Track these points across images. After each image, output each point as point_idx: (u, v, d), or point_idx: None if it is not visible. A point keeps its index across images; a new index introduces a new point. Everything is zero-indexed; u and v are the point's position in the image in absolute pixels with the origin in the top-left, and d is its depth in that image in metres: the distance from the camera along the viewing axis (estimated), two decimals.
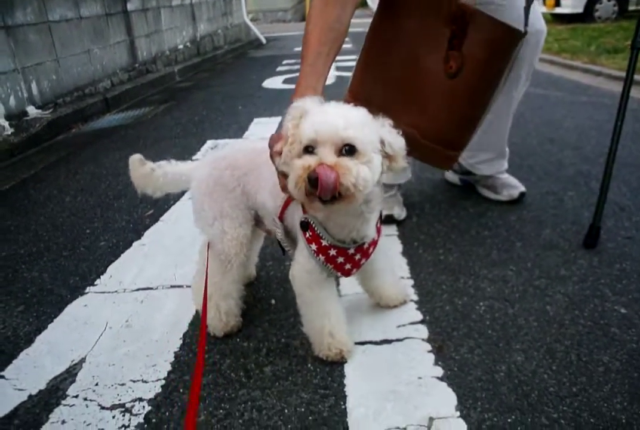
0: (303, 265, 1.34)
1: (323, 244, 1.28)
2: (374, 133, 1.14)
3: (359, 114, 1.15)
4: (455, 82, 1.60)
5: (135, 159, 1.59)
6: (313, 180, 1.05)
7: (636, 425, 1.16)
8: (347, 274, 1.37)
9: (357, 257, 1.34)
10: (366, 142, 1.11)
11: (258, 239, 1.71)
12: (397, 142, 1.18)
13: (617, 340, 1.44)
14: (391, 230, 2.15)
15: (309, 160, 1.08)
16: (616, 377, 1.31)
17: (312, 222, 1.27)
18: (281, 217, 1.38)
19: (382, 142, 1.15)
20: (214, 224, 1.46)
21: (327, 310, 1.38)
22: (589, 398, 1.25)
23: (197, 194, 1.51)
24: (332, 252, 1.29)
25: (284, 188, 1.23)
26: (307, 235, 1.29)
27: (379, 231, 1.39)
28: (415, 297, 1.69)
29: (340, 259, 1.31)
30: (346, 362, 1.40)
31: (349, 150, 1.09)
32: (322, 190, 1.05)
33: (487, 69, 1.68)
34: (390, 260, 1.75)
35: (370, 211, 1.26)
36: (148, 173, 1.58)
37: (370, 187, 1.12)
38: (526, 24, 1.72)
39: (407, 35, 1.69)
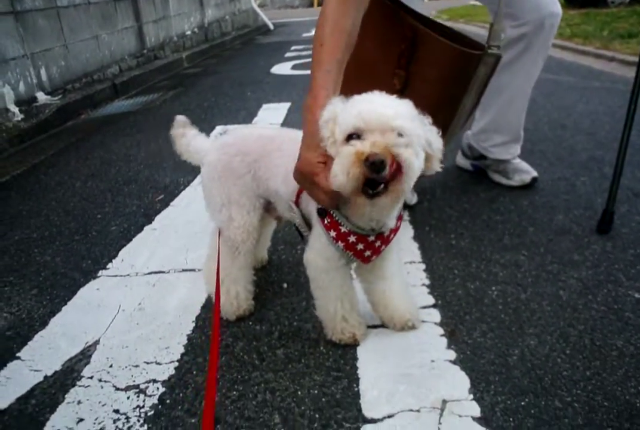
0: (320, 252, 1.31)
1: (342, 231, 1.24)
2: (420, 127, 1.10)
3: (408, 105, 1.12)
4: (406, 97, 1.58)
5: (179, 119, 1.61)
6: (377, 164, 1.00)
7: None
8: (367, 261, 1.33)
9: (378, 244, 1.29)
10: (414, 134, 1.07)
11: (270, 224, 1.70)
12: (437, 142, 1.15)
13: (631, 325, 1.44)
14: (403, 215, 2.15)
15: (360, 145, 1.03)
16: (630, 362, 1.31)
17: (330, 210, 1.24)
18: (297, 203, 1.35)
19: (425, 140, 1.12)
20: (221, 211, 1.45)
21: (341, 294, 1.36)
22: (602, 382, 1.25)
23: (206, 179, 1.51)
24: (352, 238, 1.25)
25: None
26: (326, 222, 1.25)
27: (400, 217, 1.34)
28: (428, 282, 1.69)
29: (360, 246, 1.27)
30: (359, 344, 1.39)
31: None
32: (396, 173, 1.01)
33: (438, 89, 1.70)
34: (405, 276, 1.67)
35: (398, 205, 1.24)
36: (178, 136, 1.60)
37: (417, 176, 1.08)
38: (487, 43, 1.71)
39: (368, 49, 1.70)
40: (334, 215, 1.23)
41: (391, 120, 1.04)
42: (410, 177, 1.05)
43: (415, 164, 1.05)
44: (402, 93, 1.63)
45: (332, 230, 1.25)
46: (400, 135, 1.04)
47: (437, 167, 1.18)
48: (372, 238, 1.26)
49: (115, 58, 5.79)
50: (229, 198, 1.44)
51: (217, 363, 1.11)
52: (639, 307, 1.50)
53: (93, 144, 3.54)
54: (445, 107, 1.78)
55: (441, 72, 1.69)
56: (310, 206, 1.31)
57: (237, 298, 1.51)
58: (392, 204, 1.14)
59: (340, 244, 1.25)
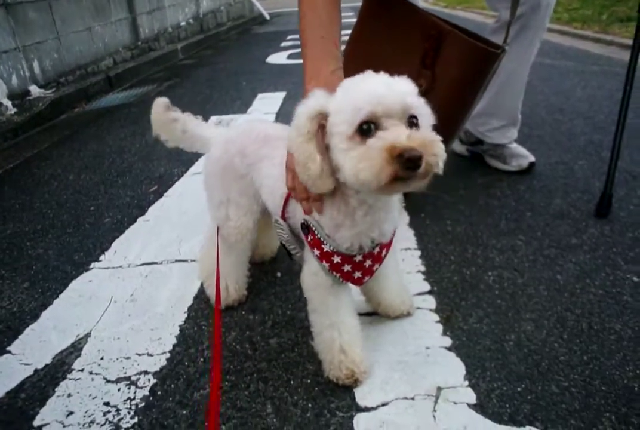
0: (309, 266, 1.18)
1: (325, 250, 1.10)
2: (426, 106, 0.98)
3: (409, 82, 0.96)
4: (427, 98, 1.56)
5: (159, 102, 1.48)
6: (415, 161, 0.85)
7: None
8: (359, 283, 1.18)
9: (368, 263, 1.14)
10: (425, 113, 0.95)
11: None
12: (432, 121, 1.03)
13: (629, 309, 1.41)
14: None
15: (392, 138, 0.87)
16: (628, 345, 1.28)
17: (311, 225, 1.10)
18: (283, 217, 1.23)
19: None
20: (219, 208, 1.39)
21: (337, 319, 1.19)
22: (600, 366, 1.23)
23: (207, 174, 1.43)
24: (337, 259, 1.10)
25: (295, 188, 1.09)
26: (309, 239, 1.13)
27: (392, 233, 1.18)
28: (423, 268, 1.67)
29: (347, 267, 1.12)
30: (358, 386, 1.21)
31: (412, 124, 0.92)
32: (433, 165, 0.88)
33: (459, 88, 1.68)
34: (400, 264, 1.60)
35: (391, 206, 1.10)
36: (168, 121, 1.47)
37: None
38: (505, 41, 1.70)
39: (383, 46, 1.67)
40: (316, 233, 1.10)
41: (407, 100, 0.90)
42: (437, 170, 0.92)
43: (442, 152, 0.91)
44: (427, 93, 1.62)
45: (315, 249, 1.12)
46: (415, 117, 0.93)
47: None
48: (359, 258, 1.12)
49: (109, 50, 5.73)
50: (229, 196, 1.36)
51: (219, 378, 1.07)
52: (637, 291, 1.48)
53: (87, 137, 3.50)
54: (463, 105, 1.76)
55: (465, 71, 1.67)
56: (299, 220, 1.16)
57: (226, 289, 1.48)
58: (415, 190, 0.96)
59: (325, 264, 1.12)
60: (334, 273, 1.13)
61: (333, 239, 1.09)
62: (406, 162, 0.85)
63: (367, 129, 0.90)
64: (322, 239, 1.10)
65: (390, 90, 0.91)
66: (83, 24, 5.23)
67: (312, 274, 1.17)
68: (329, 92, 1.01)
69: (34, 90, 4.32)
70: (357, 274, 1.15)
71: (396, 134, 0.87)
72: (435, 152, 0.89)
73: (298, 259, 1.26)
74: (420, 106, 0.95)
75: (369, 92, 0.91)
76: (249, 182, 1.33)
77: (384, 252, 1.18)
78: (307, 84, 1.21)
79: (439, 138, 0.91)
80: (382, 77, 0.95)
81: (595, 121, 2.93)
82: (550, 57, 4.74)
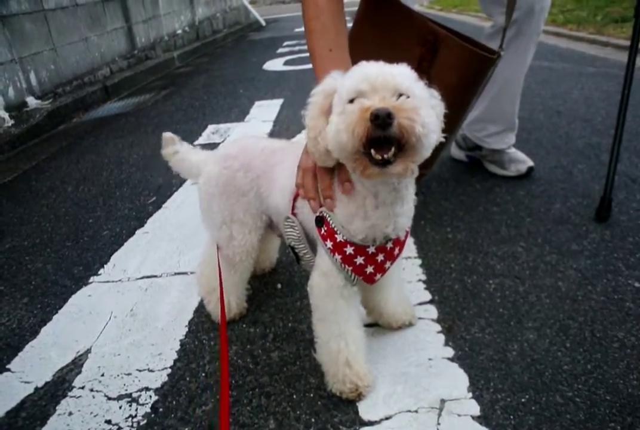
0: (320, 268, 1.17)
1: (338, 240, 1.10)
2: (425, 91, 1.01)
3: (409, 68, 1.01)
4: None
5: (166, 136, 1.52)
6: (383, 117, 0.87)
7: None
8: (370, 280, 1.17)
9: (380, 258, 1.14)
10: (420, 96, 0.96)
11: (274, 239, 1.65)
12: (441, 111, 1.06)
13: (631, 315, 1.40)
14: None
15: (367, 102, 0.91)
16: (632, 353, 1.27)
17: (327, 216, 1.11)
18: (293, 213, 1.22)
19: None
20: (221, 228, 1.37)
21: (346, 331, 1.18)
22: (604, 375, 1.22)
23: (205, 193, 1.39)
24: (349, 249, 1.10)
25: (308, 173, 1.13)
26: (322, 231, 1.13)
27: (406, 232, 1.19)
28: (424, 277, 1.66)
29: (360, 260, 1.12)
30: (362, 400, 1.20)
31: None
32: (408, 129, 0.89)
33: (455, 93, 1.67)
34: (401, 273, 1.58)
35: (407, 191, 1.09)
36: (171, 154, 1.51)
37: (434, 141, 0.97)
38: (501, 46, 1.71)
39: (378, 51, 1.67)
40: (331, 223, 1.11)
41: (397, 79, 0.94)
42: (425, 137, 0.91)
43: (428, 122, 0.92)
44: None
45: (328, 241, 1.12)
46: (405, 95, 0.94)
47: (440, 137, 1.04)
48: (372, 249, 1.12)
49: (105, 60, 5.74)
50: (232, 216, 1.34)
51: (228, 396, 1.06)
52: (639, 297, 1.47)
53: (85, 148, 3.50)
54: (458, 110, 1.76)
55: (461, 76, 1.67)
56: (309, 215, 1.17)
57: (228, 305, 1.47)
58: (405, 174, 0.96)
59: (338, 256, 1.12)
60: (346, 267, 1.12)
61: (347, 229, 1.10)
62: (376, 119, 0.87)
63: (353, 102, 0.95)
64: (336, 229, 1.10)
65: (379, 70, 0.96)
66: (79, 34, 5.24)
67: (323, 275, 1.16)
68: None
69: (31, 101, 4.32)
70: (370, 269, 1.15)
71: (372, 99, 0.92)
72: (411, 116, 0.89)
73: (307, 261, 1.25)
74: (415, 88, 0.97)
75: (360, 73, 0.97)
76: (251, 199, 1.33)
77: (396, 250, 1.18)
78: None
79: (419, 106, 0.92)
80: (382, 64, 1.00)
81: (593, 124, 2.93)
82: (547, 60, 4.75)
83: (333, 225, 1.11)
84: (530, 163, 2.30)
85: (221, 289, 1.29)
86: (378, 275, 1.18)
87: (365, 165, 0.95)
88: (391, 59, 1.70)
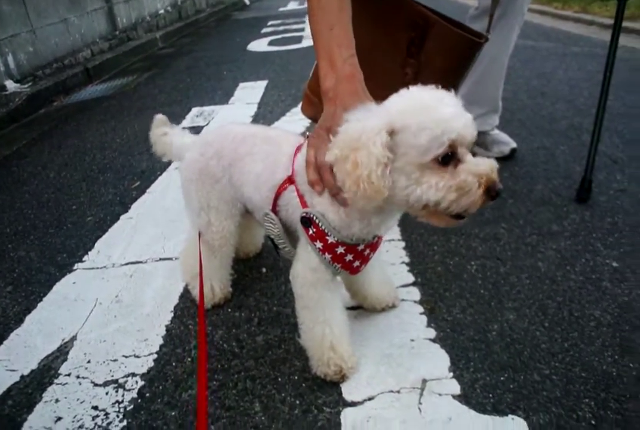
0: (307, 263, 1.17)
1: (330, 242, 1.11)
2: None
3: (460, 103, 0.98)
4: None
5: (159, 118, 1.52)
6: (498, 193, 0.93)
7: (626, 378, 1.17)
8: (356, 271, 1.21)
9: (367, 252, 1.18)
10: None
11: (257, 225, 1.65)
12: None
13: (608, 294, 1.44)
14: None
15: (481, 168, 0.93)
16: (607, 331, 1.31)
17: (314, 218, 1.10)
18: (274, 210, 1.22)
19: None
20: (200, 214, 1.38)
21: (330, 316, 1.20)
22: (580, 353, 1.25)
23: (185, 180, 1.41)
24: (341, 249, 1.12)
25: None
26: (311, 232, 1.12)
27: None
28: (407, 259, 1.68)
29: (349, 257, 1.14)
30: (345, 381, 1.22)
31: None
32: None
33: (445, 77, 1.67)
34: (381, 256, 1.60)
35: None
36: (159, 136, 1.52)
37: None
38: (488, 31, 1.70)
39: (366, 35, 1.65)
40: (320, 225, 1.10)
41: (474, 132, 0.95)
42: None
43: None
44: (413, 81, 1.62)
45: (318, 241, 1.12)
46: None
47: None
48: (361, 247, 1.15)
49: (86, 41, 5.64)
50: (208, 203, 1.36)
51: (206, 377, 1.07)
52: (617, 276, 1.51)
53: (66, 132, 3.46)
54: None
55: (450, 60, 1.66)
56: (294, 214, 1.17)
57: (212, 290, 1.48)
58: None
59: (328, 255, 1.13)
60: (335, 264, 1.14)
61: (339, 232, 1.10)
62: (495, 196, 0.93)
63: (448, 157, 0.93)
64: (327, 231, 1.10)
65: (464, 119, 0.93)
66: (58, 15, 5.13)
67: (311, 270, 1.16)
68: (344, 81, 1.11)
69: (10, 85, 4.24)
70: (357, 263, 1.17)
71: (486, 167, 0.93)
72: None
73: (285, 253, 1.26)
74: None
75: (450, 120, 0.91)
76: (225, 186, 1.33)
77: (379, 240, 1.21)
78: (324, 81, 1.17)
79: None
80: (449, 99, 0.95)
81: (576, 104, 2.95)
82: (532, 39, 4.74)
83: (323, 228, 1.10)
84: (514, 145, 2.32)
85: (201, 275, 1.30)
86: (362, 266, 1.21)
87: (439, 217, 0.99)
88: (381, 42, 1.69)
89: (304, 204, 1.13)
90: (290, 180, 1.16)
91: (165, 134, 1.51)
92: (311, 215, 1.11)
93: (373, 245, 1.18)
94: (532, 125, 2.69)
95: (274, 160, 1.20)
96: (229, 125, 1.45)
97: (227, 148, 1.31)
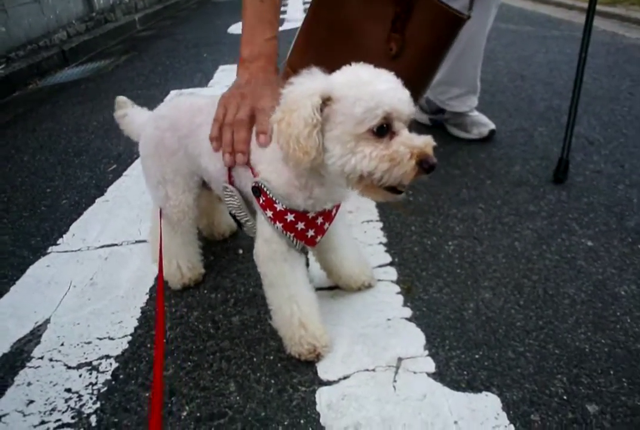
0: (261, 234, 1.17)
1: (278, 209, 1.11)
2: None
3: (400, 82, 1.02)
4: (396, 62, 1.55)
5: (120, 99, 1.54)
6: (431, 167, 0.95)
7: (598, 353, 1.18)
8: (312, 243, 1.20)
9: (319, 221, 1.17)
10: None
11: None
12: None
13: (582, 273, 1.45)
14: None
15: (415, 144, 0.95)
16: (581, 309, 1.32)
17: (263, 186, 1.11)
18: (230, 182, 1.22)
19: None
20: (158, 188, 1.38)
21: (295, 293, 1.19)
22: (554, 330, 1.26)
23: (142, 155, 1.41)
24: (290, 217, 1.12)
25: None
26: (261, 201, 1.13)
27: None
28: (385, 240, 1.68)
29: (301, 225, 1.14)
30: (320, 360, 1.22)
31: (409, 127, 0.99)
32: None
33: (428, 53, 1.66)
34: (355, 235, 1.65)
35: None
36: (121, 116, 1.53)
37: None
38: (470, 8, 1.68)
39: (349, 10, 1.64)
40: (268, 193, 1.11)
41: (411, 108, 0.98)
42: None
43: None
44: (397, 57, 1.59)
45: (268, 210, 1.13)
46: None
47: None
48: (312, 214, 1.14)
49: (61, 23, 5.50)
50: (164, 176, 1.35)
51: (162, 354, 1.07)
52: (591, 255, 1.52)
53: (41, 115, 3.38)
54: (429, 71, 1.74)
55: (434, 37, 1.64)
56: (247, 186, 1.16)
57: (179, 269, 1.47)
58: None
59: (279, 224, 1.13)
60: (288, 233, 1.14)
61: (286, 199, 1.11)
62: (429, 169, 0.95)
63: (383, 129, 0.96)
64: (275, 199, 1.11)
65: (403, 94, 0.98)
66: None
67: (265, 241, 1.16)
68: (264, 57, 1.24)
69: None
70: (311, 232, 1.17)
71: (420, 141, 0.96)
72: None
73: (249, 228, 1.25)
74: None
75: (384, 94, 0.95)
76: (181, 159, 1.32)
77: (334, 211, 1.22)
78: (242, 49, 1.29)
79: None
80: (387, 76, 1.00)
81: (555, 87, 2.95)
82: (513, 22, 4.73)
83: (271, 195, 1.11)
84: (492, 126, 2.32)
85: (160, 252, 1.30)
86: (318, 237, 1.21)
87: (375, 190, 1.01)
88: (368, 16, 1.66)
89: (255, 174, 1.13)
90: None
91: (126, 115, 1.51)
92: (260, 184, 1.12)
93: (326, 214, 1.18)
94: (512, 108, 2.69)
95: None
96: (182, 96, 1.43)
97: (182, 119, 1.30)
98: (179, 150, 1.31)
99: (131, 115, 1.50)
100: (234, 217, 1.26)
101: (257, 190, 1.13)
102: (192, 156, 1.30)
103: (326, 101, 0.97)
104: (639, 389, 1.10)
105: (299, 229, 1.14)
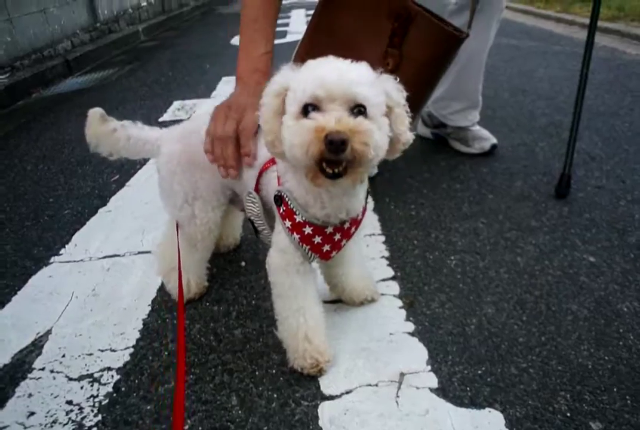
0: (277, 244, 1.17)
1: (297, 221, 1.11)
2: (381, 94, 0.98)
3: (368, 69, 0.98)
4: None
5: (95, 113, 1.39)
6: (337, 144, 0.87)
7: (601, 370, 1.18)
8: (326, 257, 1.20)
9: (337, 237, 1.16)
10: (376, 103, 0.95)
11: (237, 215, 1.65)
12: (401, 98, 1.02)
13: (585, 289, 1.45)
14: None
15: (322, 120, 0.90)
16: (584, 325, 1.32)
17: (285, 196, 1.11)
18: (257, 189, 1.23)
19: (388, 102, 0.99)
20: (183, 206, 1.35)
21: (304, 304, 1.19)
22: (557, 346, 1.26)
23: (166, 172, 1.35)
24: (308, 229, 1.12)
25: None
26: (281, 210, 1.13)
27: (363, 210, 1.21)
28: (387, 254, 1.68)
29: (318, 239, 1.14)
30: (323, 374, 1.21)
31: (358, 112, 0.93)
32: (360, 153, 0.89)
33: (425, 69, 1.69)
34: (362, 250, 1.63)
35: (361, 185, 1.12)
36: (108, 132, 1.38)
37: (382, 155, 0.97)
38: (469, 27, 1.71)
39: (348, 22, 1.67)
40: (289, 203, 1.11)
41: (355, 89, 0.92)
42: (376, 157, 0.94)
43: (379, 143, 0.93)
44: (394, 72, 1.61)
45: (287, 220, 1.13)
46: (362, 106, 0.93)
47: (407, 135, 1.05)
48: (330, 230, 1.14)
49: (66, 33, 5.54)
50: (194, 193, 1.33)
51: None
52: (593, 271, 1.52)
53: (45, 125, 3.40)
54: (426, 87, 1.76)
55: (431, 53, 1.67)
56: (271, 194, 1.17)
57: (187, 284, 1.46)
58: (353, 185, 1.02)
59: (296, 235, 1.13)
60: (304, 246, 1.14)
61: (305, 210, 1.11)
62: (330, 144, 0.88)
63: (307, 110, 0.94)
64: (295, 210, 1.11)
65: (338, 76, 0.93)
66: (37, 5, 5.03)
67: (280, 251, 1.16)
68: (259, 72, 1.31)
69: None
70: (326, 247, 1.16)
71: (328, 118, 0.90)
72: (366, 140, 0.89)
73: (264, 237, 1.26)
74: (372, 97, 0.94)
75: (317, 76, 0.94)
76: (214, 173, 1.31)
77: (353, 229, 1.20)
78: (238, 64, 1.37)
79: (374, 129, 0.92)
80: (340, 63, 0.97)
81: (557, 102, 2.97)
82: (515, 38, 4.77)
83: (292, 206, 1.11)
84: (494, 140, 2.33)
85: (180, 271, 1.28)
86: (334, 253, 1.20)
87: (317, 175, 0.96)
88: (366, 30, 1.68)
89: (279, 183, 1.14)
90: (273, 160, 1.17)
91: (115, 130, 1.38)
92: (282, 193, 1.12)
93: (344, 231, 1.17)
94: (513, 123, 2.71)
95: (260, 139, 1.20)
96: (206, 114, 1.42)
97: None
98: (212, 166, 1.29)
99: (126, 130, 1.39)
100: (252, 223, 1.27)
101: (279, 199, 1.13)
102: None
103: (287, 92, 0.99)
104: None
105: (316, 242, 1.14)
